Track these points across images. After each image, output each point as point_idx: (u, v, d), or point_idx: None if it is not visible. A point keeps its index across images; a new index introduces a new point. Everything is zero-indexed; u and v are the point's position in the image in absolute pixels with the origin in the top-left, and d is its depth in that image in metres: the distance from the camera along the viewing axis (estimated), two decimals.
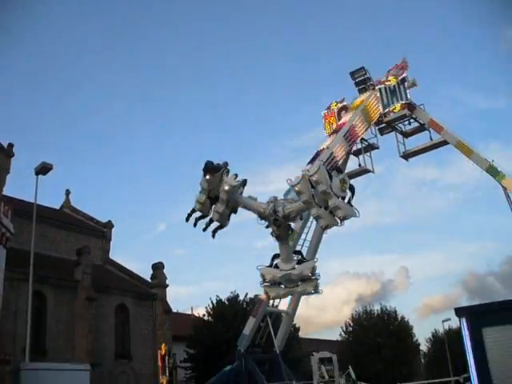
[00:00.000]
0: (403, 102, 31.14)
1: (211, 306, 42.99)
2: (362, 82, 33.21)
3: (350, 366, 31.52)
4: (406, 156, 32.99)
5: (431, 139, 32.19)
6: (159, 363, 36.47)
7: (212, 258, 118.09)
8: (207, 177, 19.25)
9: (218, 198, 19.07)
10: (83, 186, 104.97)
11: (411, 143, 33.63)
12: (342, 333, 52.77)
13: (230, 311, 41.20)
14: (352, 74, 33.42)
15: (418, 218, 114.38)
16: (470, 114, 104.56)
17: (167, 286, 41.94)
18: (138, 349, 38.28)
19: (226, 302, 42.85)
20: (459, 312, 10.86)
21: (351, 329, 51.97)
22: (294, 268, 19.23)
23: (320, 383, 29.24)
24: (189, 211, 19.42)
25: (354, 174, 35.14)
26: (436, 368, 52.89)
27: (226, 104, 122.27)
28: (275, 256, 19.58)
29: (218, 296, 43.33)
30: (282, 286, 19.79)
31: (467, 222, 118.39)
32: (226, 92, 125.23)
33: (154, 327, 39.92)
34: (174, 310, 45.28)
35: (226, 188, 19.13)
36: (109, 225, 44.69)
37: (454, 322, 47.52)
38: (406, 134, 33.23)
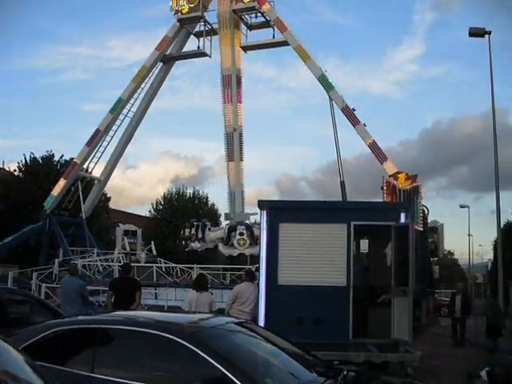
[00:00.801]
0: None
1: (24, 162, 41.37)
2: None
3: (152, 242, 32.24)
4: (246, 48, 33.04)
5: (274, 37, 32.47)
6: None
7: (35, 114, 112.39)
8: None
9: None
10: None
11: (253, 36, 33.75)
12: (152, 210, 53.42)
13: (43, 170, 39.92)
14: None
15: (247, 112, 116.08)
16: (318, 24, 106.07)
17: None
18: None
19: (40, 161, 41.46)
20: (261, 205, 11.38)
21: (161, 207, 52.63)
22: None
23: (120, 254, 29.73)
24: None
25: (191, 55, 34.99)
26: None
27: None
28: None
29: (32, 153, 41.68)
30: None
31: (293, 126, 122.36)
32: None
33: None
34: None
35: None
36: None
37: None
38: (250, 27, 33.19)
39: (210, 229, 31.19)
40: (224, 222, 32.83)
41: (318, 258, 11.04)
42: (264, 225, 11.23)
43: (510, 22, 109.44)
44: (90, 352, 4.78)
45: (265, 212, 11.25)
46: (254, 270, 13.95)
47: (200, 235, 30.45)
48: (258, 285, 11.48)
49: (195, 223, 31.54)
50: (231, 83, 31.79)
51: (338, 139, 28.56)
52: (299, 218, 11.21)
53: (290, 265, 11.17)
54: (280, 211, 11.47)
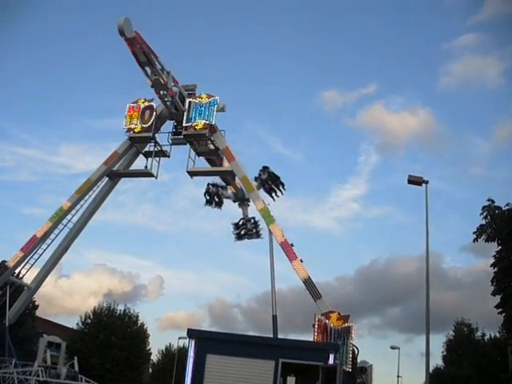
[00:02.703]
0: (207, 122, 31.71)
1: None
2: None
3: (75, 357, 31.13)
4: (192, 173, 33.43)
5: (221, 165, 33.22)
6: None
7: None
8: None
9: None
10: None
11: (201, 163, 34.45)
12: (80, 323, 51.89)
13: None
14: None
15: (188, 235, 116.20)
16: (267, 156, 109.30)
17: None
18: None
19: None
20: (191, 333, 11.39)
21: (89, 321, 51.19)
22: None
23: (40, 367, 28.52)
24: None
25: (138, 174, 35.40)
26: (161, 380, 53.88)
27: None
28: None
29: None
30: None
31: (230, 252, 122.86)
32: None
33: None
34: None
35: None
36: None
37: None
38: (199, 153, 33.79)
39: None
40: None
41: None
42: (191, 353, 11.16)
43: (446, 172, 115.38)
44: None
45: (193, 341, 11.21)
46: None
47: None
48: None
49: None
50: None
51: (273, 273, 28.92)
52: (228, 350, 11.19)
53: None
54: (208, 342, 11.45)
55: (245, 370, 11.01)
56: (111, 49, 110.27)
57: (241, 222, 36.26)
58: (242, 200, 36.55)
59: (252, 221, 35.89)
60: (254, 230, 35.77)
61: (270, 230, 29.52)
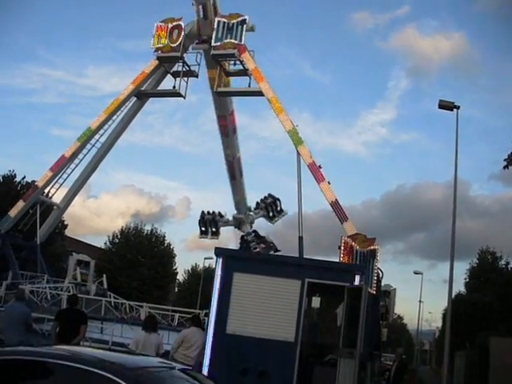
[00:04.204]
0: (236, 42, 31.24)
1: None
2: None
3: (104, 275, 31.83)
4: (220, 93, 33.28)
5: (249, 86, 32.82)
6: None
7: (2, 132, 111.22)
8: None
9: None
10: None
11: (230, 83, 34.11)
12: (108, 242, 52.89)
13: (2, 189, 39.39)
14: None
15: (215, 156, 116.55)
16: (296, 78, 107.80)
17: None
18: None
19: (1, 179, 40.93)
20: (218, 252, 11.40)
21: (117, 241, 52.16)
22: None
23: (71, 283, 29.26)
24: None
25: (166, 94, 35.20)
26: (187, 299, 55.06)
27: None
28: None
29: None
30: None
31: (259, 174, 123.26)
32: None
33: None
34: None
35: None
36: None
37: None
38: (228, 73, 33.50)
39: None
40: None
41: (269, 311, 11.02)
42: (218, 272, 11.22)
43: (478, 99, 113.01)
44: None
45: (220, 259, 11.25)
46: (201, 315, 13.91)
47: None
48: (205, 331, 11.40)
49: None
50: (227, 121, 35.04)
51: (301, 194, 28.81)
52: (254, 269, 11.22)
53: (240, 315, 11.13)
54: (236, 260, 11.49)
55: (271, 289, 11.08)
56: None
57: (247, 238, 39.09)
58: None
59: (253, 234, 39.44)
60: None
61: (297, 152, 29.31)
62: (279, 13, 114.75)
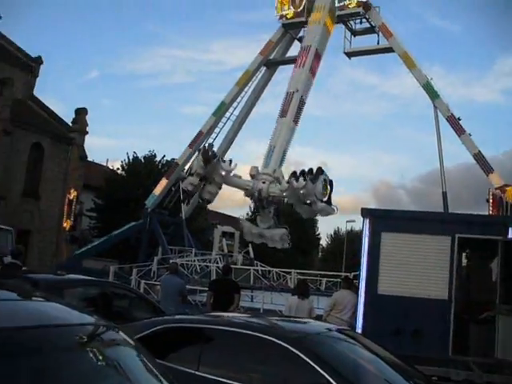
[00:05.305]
0: (360, 0, 30.62)
1: (127, 161, 42.85)
2: None
3: (250, 245, 32.42)
4: (350, 54, 32.80)
5: (378, 43, 32.06)
6: (65, 207, 36.69)
7: (138, 115, 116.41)
8: (206, 166, 22.11)
9: (207, 178, 22.45)
10: (16, 13, 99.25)
11: (357, 42, 33.43)
12: (250, 213, 53.89)
13: (144, 169, 41.21)
14: None
15: (348, 119, 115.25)
16: (422, 30, 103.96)
17: (87, 133, 41.16)
18: (47, 190, 37.90)
19: (142, 160, 42.76)
20: (364, 212, 11.23)
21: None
22: (268, 228, 23.53)
23: (218, 255, 30.09)
24: (183, 194, 23.10)
25: (294, 60, 34.96)
26: (330, 264, 55.24)
27: None
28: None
29: (135, 152, 43.11)
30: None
31: (393, 133, 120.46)
32: None
33: (66, 171, 39.18)
34: (90, 160, 44.84)
35: (223, 173, 21.86)
36: (38, 60, 42.58)
37: (357, 225, 49.47)
38: (354, 33, 32.88)
39: None
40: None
41: (420, 270, 10.79)
42: (366, 232, 11.09)
43: None
44: (196, 351, 4.87)
45: (367, 220, 11.10)
46: (351, 277, 13.83)
47: None
48: (356, 293, 11.36)
49: None
50: (309, 53, 30.38)
51: (441, 148, 27.97)
52: (402, 227, 11.00)
53: (391, 275, 10.98)
54: (383, 220, 11.30)
55: (421, 247, 10.82)
56: None
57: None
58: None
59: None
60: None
61: (434, 106, 28.44)
62: None
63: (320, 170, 23.20)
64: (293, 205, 24.87)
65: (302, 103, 29.90)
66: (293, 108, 29.00)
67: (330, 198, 21.95)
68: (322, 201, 21.75)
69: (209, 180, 23.14)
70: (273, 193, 22.25)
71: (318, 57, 30.96)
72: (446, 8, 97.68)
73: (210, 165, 22.43)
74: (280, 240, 26.05)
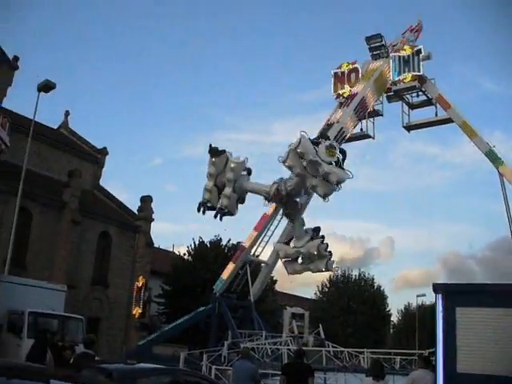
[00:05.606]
0: (415, 74, 30.94)
1: (193, 246, 43.34)
2: (377, 48, 32.90)
3: (320, 325, 31.92)
4: (409, 127, 32.92)
5: (436, 115, 32.09)
6: (134, 294, 37.11)
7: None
8: (213, 159, 20.96)
9: (225, 185, 20.84)
10: (84, 109, 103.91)
11: (416, 116, 33.54)
12: (318, 292, 53.41)
13: (210, 254, 41.53)
14: (368, 39, 33.09)
15: (410, 192, 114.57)
16: (479, 97, 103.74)
17: (153, 220, 41.90)
18: (116, 278, 38.52)
19: (208, 245, 43.15)
20: (437, 288, 10.91)
21: (327, 290, 52.56)
22: (303, 246, 21.57)
23: (288, 337, 29.66)
24: (199, 201, 21.42)
25: (355, 138, 35.15)
26: (403, 340, 53.79)
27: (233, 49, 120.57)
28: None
29: (201, 237, 43.70)
30: (300, 261, 22.97)
31: (458, 202, 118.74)
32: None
33: (134, 259, 39.88)
34: (156, 246, 45.52)
35: (232, 166, 20.86)
36: (103, 151, 44.32)
37: (427, 299, 48.34)
38: (412, 106, 33.12)
39: None
40: None
41: (501, 345, 10.32)
42: (440, 308, 10.76)
43: None
44: None
45: (440, 296, 10.78)
46: (427, 355, 13.36)
47: None
48: (433, 371, 10.93)
49: None
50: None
51: (510, 215, 27.39)
52: (478, 301, 10.61)
53: (470, 352, 10.51)
54: (456, 295, 10.95)
55: (501, 320, 10.36)
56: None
57: None
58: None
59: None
60: None
61: (499, 172, 28.12)
62: (445, 31, 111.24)
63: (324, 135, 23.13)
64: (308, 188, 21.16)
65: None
66: None
67: (341, 164, 20.01)
68: (330, 163, 19.55)
69: (222, 181, 21.79)
70: (290, 185, 20.97)
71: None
72: (500, 72, 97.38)
73: (219, 159, 21.43)
74: (319, 257, 22.79)
